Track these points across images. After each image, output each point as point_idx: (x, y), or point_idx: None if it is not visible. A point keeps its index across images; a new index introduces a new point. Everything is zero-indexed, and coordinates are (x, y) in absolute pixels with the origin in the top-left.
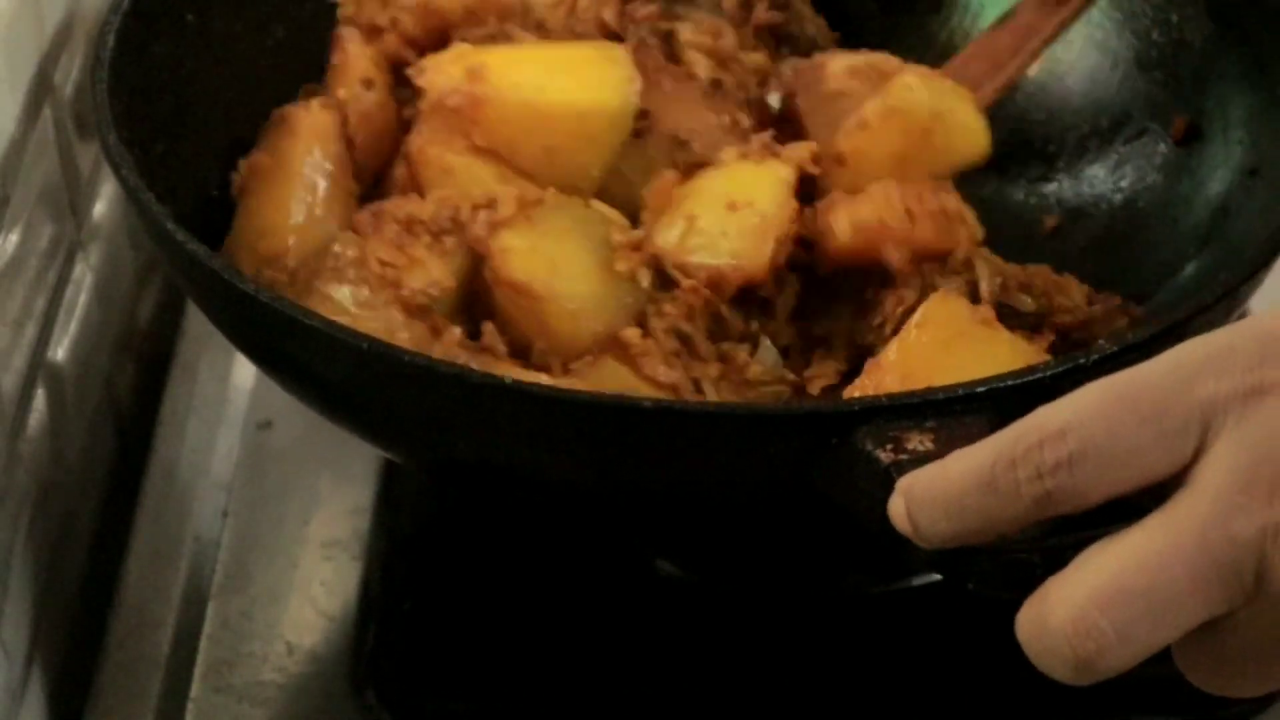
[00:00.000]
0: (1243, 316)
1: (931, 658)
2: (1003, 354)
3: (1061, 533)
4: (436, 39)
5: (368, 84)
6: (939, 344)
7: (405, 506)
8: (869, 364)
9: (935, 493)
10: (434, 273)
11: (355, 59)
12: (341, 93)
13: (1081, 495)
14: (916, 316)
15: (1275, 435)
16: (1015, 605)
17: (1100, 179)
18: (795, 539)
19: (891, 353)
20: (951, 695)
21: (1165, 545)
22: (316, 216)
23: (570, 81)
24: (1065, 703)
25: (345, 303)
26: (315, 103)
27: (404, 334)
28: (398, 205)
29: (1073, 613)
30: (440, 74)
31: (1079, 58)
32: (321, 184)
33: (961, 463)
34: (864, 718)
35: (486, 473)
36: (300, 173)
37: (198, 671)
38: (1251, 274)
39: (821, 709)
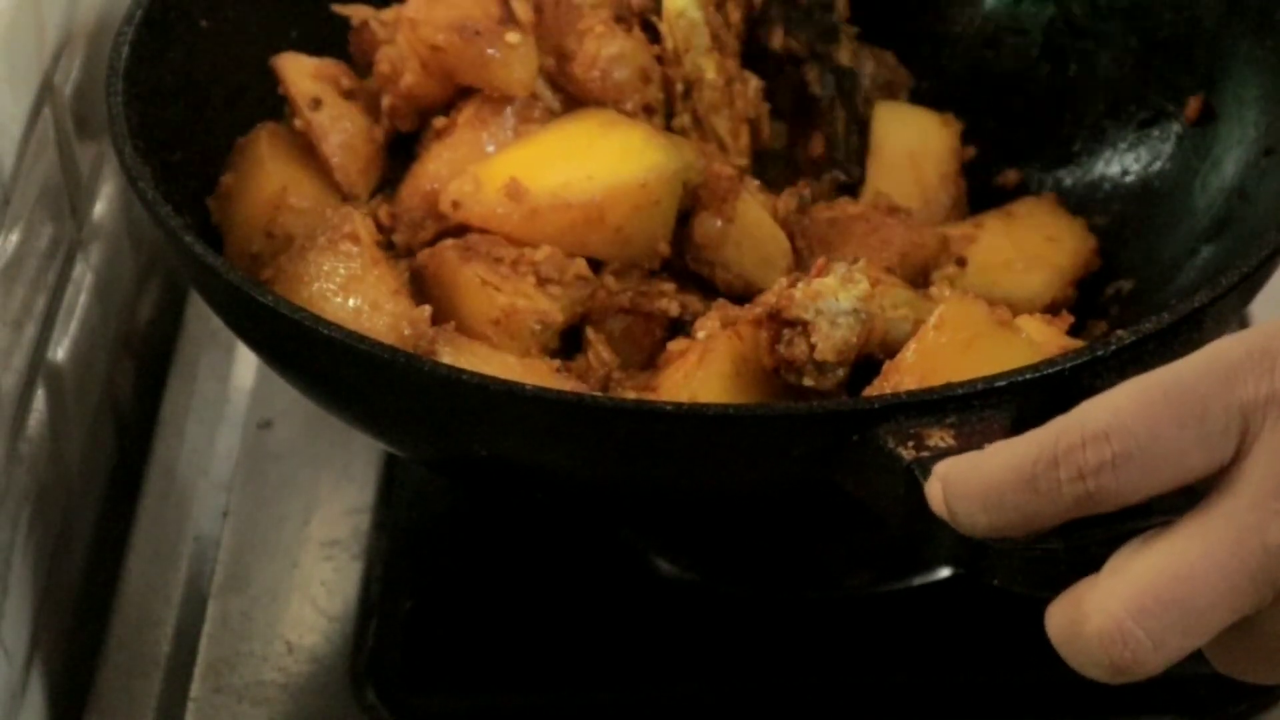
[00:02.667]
0: (1243, 323)
1: (933, 658)
2: (1021, 353)
3: (1085, 528)
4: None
5: (315, 104)
6: (957, 345)
7: (405, 506)
8: (887, 366)
9: (974, 485)
10: (542, 305)
11: (296, 84)
12: (297, 123)
13: (1122, 496)
14: (934, 318)
15: None
16: (1018, 604)
17: (1115, 162)
18: (814, 537)
19: (910, 354)
20: (952, 695)
21: (1201, 554)
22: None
23: (611, 157)
24: (1066, 702)
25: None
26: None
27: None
28: (495, 244)
29: (1108, 622)
30: (477, 201)
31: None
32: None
33: (1001, 457)
34: (864, 718)
35: (502, 473)
36: (265, 177)
37: (198, 671)
38: (1266, 260)
39: (822, 709)
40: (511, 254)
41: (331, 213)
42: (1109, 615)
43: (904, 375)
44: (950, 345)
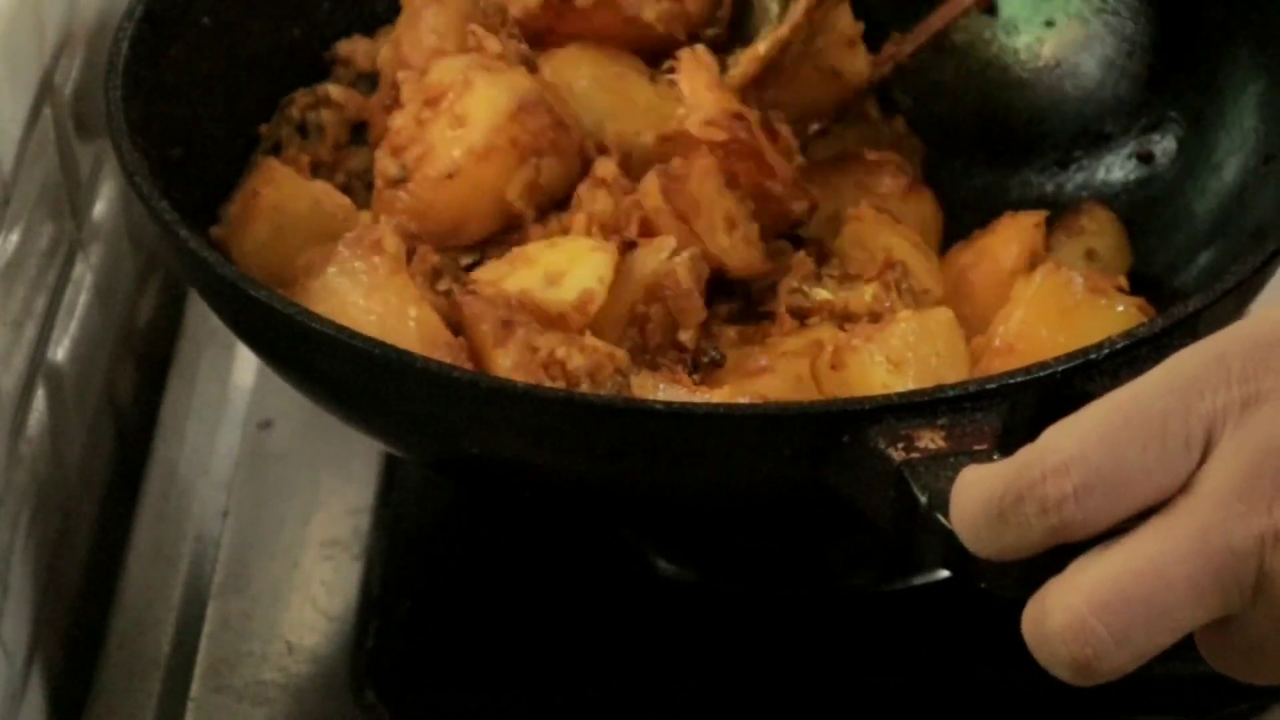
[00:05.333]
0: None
1: (933, 658)
2: (1117, 321)
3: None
4: None
5: None
6: (1052, 319)
7: (405, 506)
8: (976, 342)
9: (957, 513)
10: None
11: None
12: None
13: (1090, 524)
14: (1029, 295)
15: (1270, 442)
16: (1016, 604)
17: (1116, 168)
18: (812, 536)
19: (1010, 332)
20: (952, 695)
21: (1163, 552)
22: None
23: None
24: (1065, 702)
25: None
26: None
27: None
28: (536, 327)
29: (1069, 618)
30: None
31: (1096, 45)
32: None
33: (974, 489)
34: (864, 718)
35: (498, 472)
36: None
37: (198, 671)
38: (1262, 265)
39: (822, 709)
40: (547, 346)
41: (354, 224)
42: (1069, 610)
43: (994, 357)
44: (1045, 320)
